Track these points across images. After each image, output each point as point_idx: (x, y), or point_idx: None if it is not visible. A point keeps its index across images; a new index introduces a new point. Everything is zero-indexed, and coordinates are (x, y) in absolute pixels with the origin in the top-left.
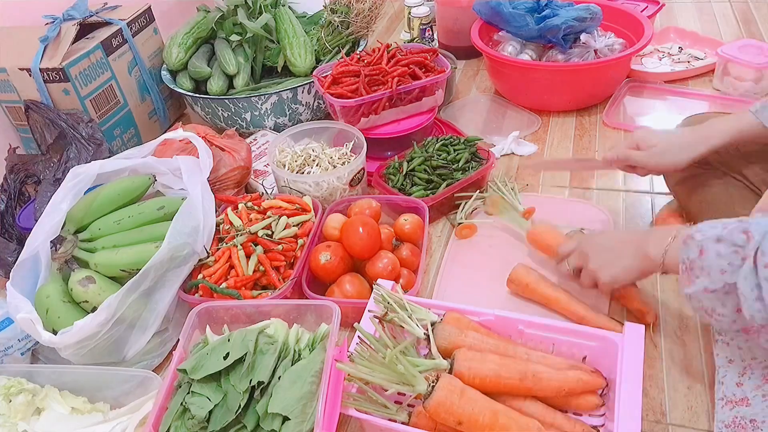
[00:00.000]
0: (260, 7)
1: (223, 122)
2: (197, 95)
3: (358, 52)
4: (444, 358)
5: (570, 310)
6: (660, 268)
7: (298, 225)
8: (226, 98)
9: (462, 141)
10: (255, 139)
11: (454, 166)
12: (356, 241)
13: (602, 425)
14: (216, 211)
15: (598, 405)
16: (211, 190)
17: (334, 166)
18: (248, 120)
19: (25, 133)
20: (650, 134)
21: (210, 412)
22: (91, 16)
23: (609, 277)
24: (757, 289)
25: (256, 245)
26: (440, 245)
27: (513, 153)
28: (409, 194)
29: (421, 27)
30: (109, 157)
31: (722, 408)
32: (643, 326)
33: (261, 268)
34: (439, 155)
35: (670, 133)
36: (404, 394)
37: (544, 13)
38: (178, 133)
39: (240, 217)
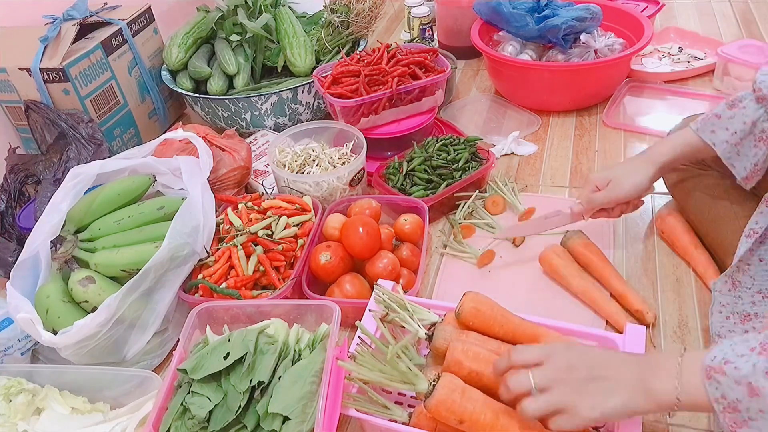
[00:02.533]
0: (260, 7)
1: (223, 122)
2: (197, 95)
3: (358, 52)
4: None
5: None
6: (672, 408)
7: (298, 225)
8: (226, 98)
9: (462, 141)
10: (255, 139)
11: (454, 166)
12: (356, 241)
13: (603, 426)
14: (216, 211)
15: None
16: (211, 190)
17: (334, 166)
18: (248, 120)
19: (25, 133)
20: (603, 172)
21: (210, 412)
22: (91, 16)
23: (595, 412)
24: None
25: (256, 245)
26: (440, 245)
27: (513, 153)
28: (409, 194)
29: (421, 27)
30: (109, 157)
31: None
32: (644, 327)
33: (261, 268)
34: (439, 155)
35: (620, 163)
36: (404, 395)
37: (544, 13)
38: (178, 133)
39: (240, 217)
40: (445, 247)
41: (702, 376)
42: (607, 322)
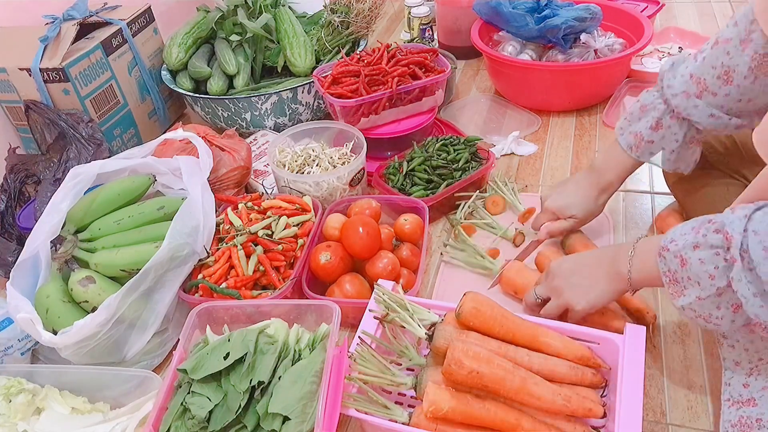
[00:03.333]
0: (260, 7)
1: (223, 122)
2: (197, 95)
3: (358, 52)
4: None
5: None
6: (628, 284)
7: (298, 225)
8: (226, 98)
9: (462, 141)
10: (255, 139)
11: (454, 166)
12: (356, 241)
13: (603, 426)
14: (216, 211)
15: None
16: (211, 190)
17: (334, 166)
18: (248, 120)
19: (25, 133)
20: (560, 201)
21: (210, 412)
22: (91, 16)
23: (585, 303)
24: (753, 287)
25: (256, 245)
26: (440, 245)
27: (513, 153)
28: (409, 194)
29: (421, 27)
30: (109, 157)
31: (728, 408)
32: (643, 327)
33: (261, 268)
34: (439, 155)
35: (572, 188)
36: (404, 395)
37: (544, 13)
38: (178, 133)
39: (240, 217)
40: (446, 246)
41: (655, 254)
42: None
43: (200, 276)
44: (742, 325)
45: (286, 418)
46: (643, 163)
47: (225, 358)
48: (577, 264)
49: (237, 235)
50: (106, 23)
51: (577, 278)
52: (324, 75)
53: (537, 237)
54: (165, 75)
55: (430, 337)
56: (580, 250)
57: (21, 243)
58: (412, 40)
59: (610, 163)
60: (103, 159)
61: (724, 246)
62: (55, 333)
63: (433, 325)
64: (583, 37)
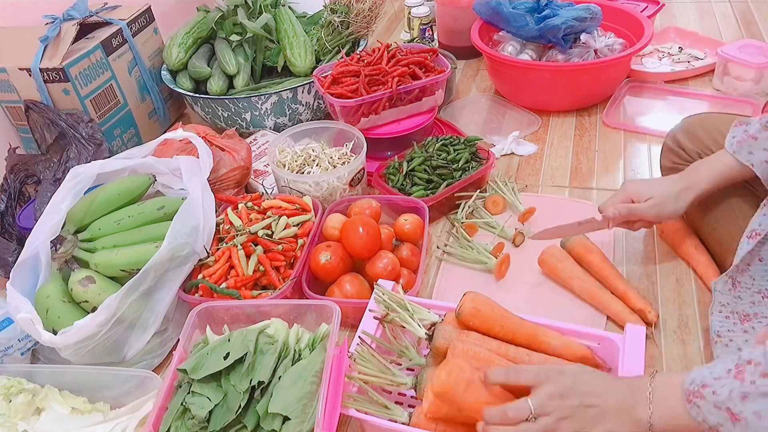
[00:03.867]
0: (260, 7)
1: (223, 122)
2: (197, 95)
3: (358, 52)
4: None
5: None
6: (657, 430)
7: (298, 225)
8: (226, 98)
9: (462, 141)
10: (255, 139)
11: (454, 166)
12: (356, 241)
13: None
14: (216, 211)
15: None
16: (211, 190)
17: (334, 166)
18: (248, 120)
19: (25, 133)
20: (641, 186)
21: (210, 412)
22: (91, 16)
23: None
24: None
25: (256, 245)
26: (439, 245)
27: (513, 153)
28: (409, 194)
29: (421, 27)
30: (109, 157)
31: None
32: (644, 327)
33: (261, 268)
34: (439, 155)
35: (659, 181)
36: (404, 395)
37: (544, 13)
38: (178, 133)
39: (240, 217)
40: (445, 245)
41: (683, 400)
42: (608, 318)
43: (200, 276)
44: None
45: (286, 418)
46: (739, 167)
47: (225, 358)
48: (586, 390)
49: (237, 235)
50: (106, 23)
51: (585, 408)
52: (324, 75)
53: (602, 215)
54: (165, 75)
55: (430, 337)
56: (580, 251)
57: (21, 243)
58: (412, 40)
59: (705, 161)
60: (103, 159)
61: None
62: (55, 333)
63: (433, 325)
64: (583, 37)
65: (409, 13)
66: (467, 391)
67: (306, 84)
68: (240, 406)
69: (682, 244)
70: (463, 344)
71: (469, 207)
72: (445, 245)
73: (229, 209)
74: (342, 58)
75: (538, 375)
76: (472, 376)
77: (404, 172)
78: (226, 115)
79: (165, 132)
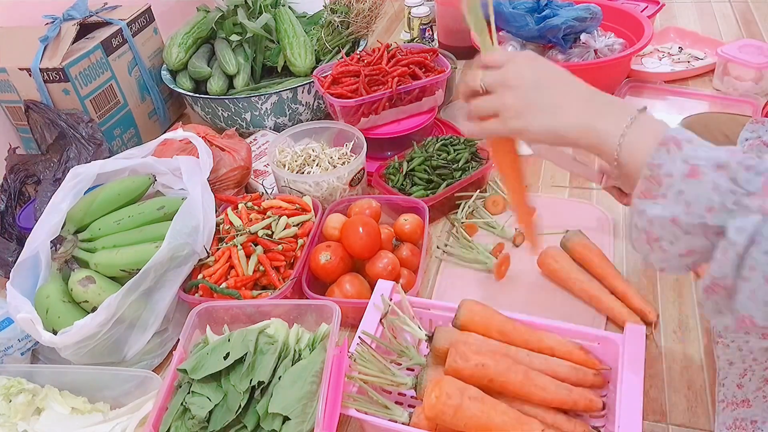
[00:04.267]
0: (260, 7)
1: (223, 122)
2: (197, 95)
3: (358, 52)
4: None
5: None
6: (608, 153)
7: (298, 225)
8: (226, 98)
9: (462, 141)
10: (255, 139)
11: (454, 166)
12: (356, 241)
13: (603, 426)
14: (216, 211)
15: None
16: (211, 190)
17: (334, 166)
18: (248, 120)
19: (25, 133)
20: None
21: (210, 412)
22: (91, 16)
23: (519, 123)
24: (747, 246)
25: (256, 245)
26: (439, 245)
27: None
28: (409, 194)
29: (421, 27)
30: (109, 157)
31: (723, 410)
32: (643, 327)
33: (261, 268)
34: (439, 155)
35: None
36: (404, 395)
37: (544, 13)
38: (178, 133)
39: (240, 217)
40: (445, 246)
41: (656, 139)
42: (607, 318)
43: (200, 276)
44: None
45: (286, 418)
46: None
47: (225, 358)
48: (552, 75)
49: (237, 235)
50: (106, 23)
51: (541, 89)
52: (324, 75)
53: (598, 169)
54: (165, 75)
55: (430, 338)
56: (580, 251)
57: (21, 243)
58: (412, 40)
59: (714, 147)
60: (103, 159)
61: (755, 192)
62: (55, 333)
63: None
64: (583, 37)
65: (409, 13)
66: (456, 416)
67: (306, 84)
68: (240, 406)
69: None
70: (465, 341)
71: (469, 207)
72: (446, 245)
73: (229, 209)
74: (342, 58)
75: (506, 56)
76: (461, 401)
77: (404, 172)
78: (226, 115)
79: (165, 132)
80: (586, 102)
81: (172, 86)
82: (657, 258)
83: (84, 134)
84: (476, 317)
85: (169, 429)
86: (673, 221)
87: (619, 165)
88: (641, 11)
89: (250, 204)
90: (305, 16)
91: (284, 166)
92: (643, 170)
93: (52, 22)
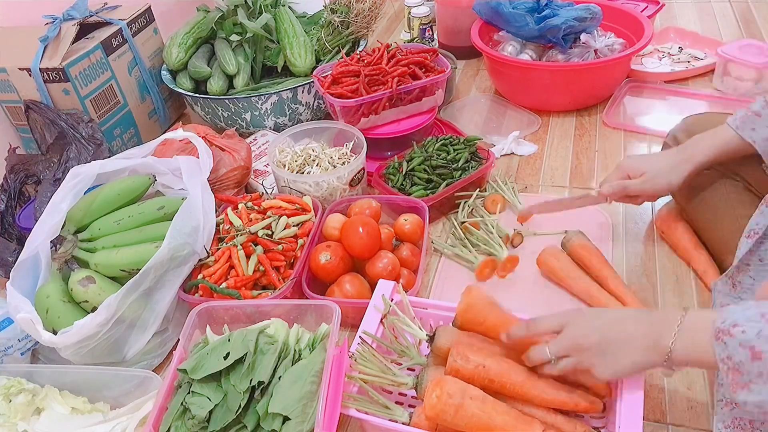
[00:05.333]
0: (260, 7)
1: (223, 122)
2: (197, 95)
3: (358, 52)
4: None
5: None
6: (666, 361)
7: (298, 225)
8: (226, 98)
9: (462, 141)
10: (255, 139)
11: (453, 166)
12: (356, 241)
13: (603, 426)
14: (216, 211)
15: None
16: (211, 190)
17: (334, 166)
18: (248, 120)
19: (25, 133)
20: (637, 161)
21: (210, 412)
22: (91, 16)
23: (611, 374)
24: None
25: (256, 245)
26: (440, 243)
27: (513, 153)
28: (409, 194)
29: (421, 27)
30: (109, 157)
31: (722, 409)
32: None
33: (261, 268)
34: (439, 155)
35: (656, 156)
36: (405, 394)
37: (544, 13)
38: (178, 133)
39: (240, 217)
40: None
41: (711, 336)
42: None
43: (200, 276)
44: None
45: (286, 418)
46: (740, 143)
47: (225, 358)
48: (609, 324)
49: (237, 235)
50: (106, 23)
51: (608, 343)
52: (324, 75)
53: (598, 192)
54: (165, 75)
55: (431, 339)
56: (579, 252)
57: (21, 243)
58: (412, 40)
59: (704, 135)
60: (103, 159)
61: None
62: (55, 333)
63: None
64: (583, 37)
65: (409, 13)
66: (457, 416)
67: (306, 84)
68: (240, 406)
69: (682, 243)
70: (468, 340)
71: (468, 206)
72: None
73: (229, 209)
74: (342, 58)
75: (559, 320)
76: (462, 400)
77: (404, 172)
78: (226, 115)
79: (165, 132)
80: (643, 330)
81: (172, 86)
82: None
83: (84, 134)
84: (476, 308)
85: (169, 429)
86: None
87: (672, 366)
88: (641, 11)
89: (250, 204)
90: (305, 16)
91: (284, 166)
92: (720, 366)
93: (52, 22)
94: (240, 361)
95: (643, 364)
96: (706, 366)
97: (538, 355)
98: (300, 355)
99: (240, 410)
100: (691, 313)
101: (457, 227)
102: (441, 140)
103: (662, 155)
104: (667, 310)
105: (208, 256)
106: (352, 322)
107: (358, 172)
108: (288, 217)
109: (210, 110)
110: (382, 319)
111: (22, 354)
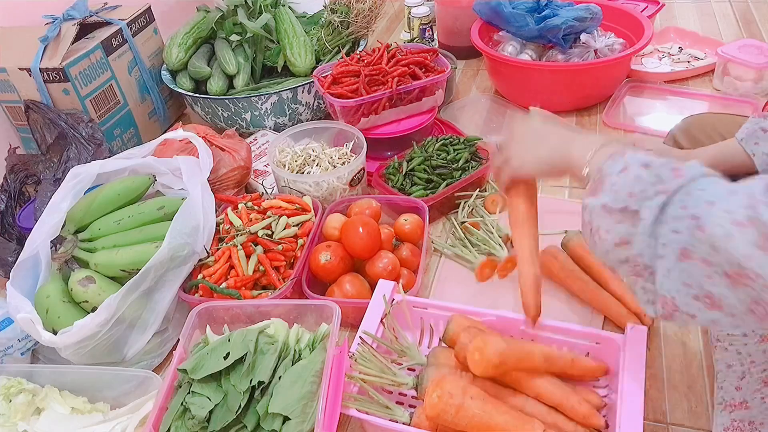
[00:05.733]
0: (260, 7)
1: (223, 122)
2: (197, 95)
3: (358, 52)
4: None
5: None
6: (578, 174)
7: (298, 225)
8: (226, 98)
9: (462, 141)
10: (255, 139)
11: (453, 166)
12: (356, 241)
13: (606, 428)
14: (216, 211)
15: (600, 405)
16: (211, 190)
17: (334, 166)
18: (248, 120)
19: (25, 133)
20: None
21: (210, 412)
22: (91, 16)
23: (517, 163)
24: (654, 224)
25: (256, 245)
26: (440, 243)
27: None
28: (409, 194)
29: (421, 27)
30: (109, 157)
31: (721, 412)
32: (644, 327)
33: (261, 268)
34: (439, 155)
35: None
36: (405, 395)
37: (544, 13)
38: (178, 133)
39: (240, 217)
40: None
41: (607, 155)
42: (606, 318)
43: (200, 276)
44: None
45: (286, 418)
46: (739, 154)
47: (225, 358)
48: (536, 125)
49: (237, 235)
50: (106, 23)
51: (527, 136)
52: (324, 75)
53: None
54: (165, 75)
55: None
56: (579, 252)
57: (21, 243)
58: (412, 40)
59: (711, 145)
60: (103, 159)
61: (667, 181)
62: (55, 333)
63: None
64: (583, 37)
65: (409, 13)
66: (457, 416)
67: (306, 84)
68: (240, 406)
69: None
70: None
71: (468, 206)
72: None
73: (229, 209)
74: (342, 58)
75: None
76: (463, 400)
77: (404, 172)
78: (226, 115)
79: (165, 132)
80: (563, 136)
81: (172, 86)
82: (599, 250)
83: (84, 134)
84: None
85: (169, 429)
86: (603, 207)
87: (583, 180)
88: (641, 11)
89: (250, 204)
90: (305, 16)
91: (284, 166)
92: (593, 175)
93: (52, 22)
94: (240, 361)
95: (549, 161)
96: (582, 176)
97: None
98: (300, 355)
99: (240, 410)
100: (612, 144)
101: (457, 227)
102: (441, 140)
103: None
104: (596, 134)
105: (208, 256)
106: (352, 322)
107: (358, 172)
108: (288, 217)
109: (210, 110)
110: (382, 319)
111: (22, 354)
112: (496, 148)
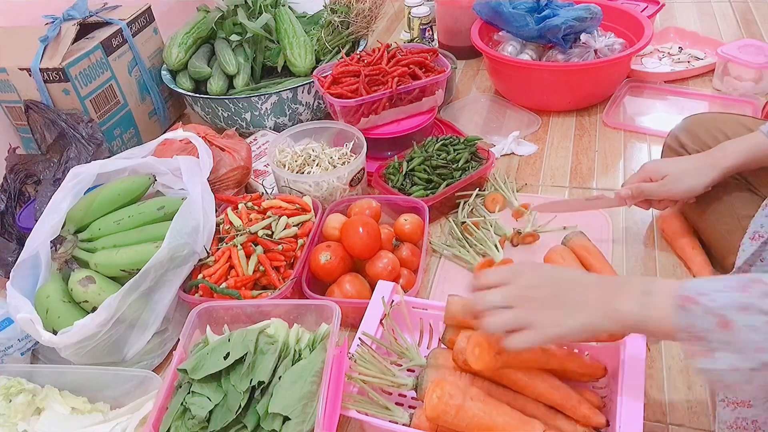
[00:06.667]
0: (260, 7)
1: (223, 122)
2: (197, 95)
3: (358, 52)
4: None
5: None
6: (631, 329)
7: (298, 225)
8: (226, 98)
9: (462, 141)
10: (255, 139)
11: (454, 166)
12: (356, 241)
13: (606, 425)
14: (216, 211)
15: (600, 405)
16: (211, 190)
17: (334, 166)
18: (248, 120)
19: (25, 133)
20: (660, 165)
21: (210, 412)
22: (91, 16)
23: (554, 333)
24: None
25: (256, 245)
26: (439, 244)
27: (513, 153)
28: (409, 194)
29: (421, 27)
30: (109, 157)
31: (724, 409)
32: None
33: (261, 268)
34: (439, 155)
35: (682, 159)
36: (405, 395)
37: (544, 13)
38: (178, 133)
39: (240, 217)
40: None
41: (672, 303)
42: None
43: (200, 276)
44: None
45: (286, 418)
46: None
47: (225, 358)
48: (565, 280)
49: (237, 235)
50: (106, 23)
51: (559, 299)
52: (324, 75)
53: (615, 194)
54: (165, 75)
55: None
56: (580, 252)
57: (21, 243)
58: (412, 40)
59: (733, 140)
60: (103, 159)
61: None
62: (55, 333)
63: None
64: (583, 37)
65: (409, 13)
66: (457, 417)
67: (306, 84)
68: (240, 406)
69: (679, 243)
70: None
71: (469, 206)
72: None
73: (229, 209)
74: (342, 58)
75: (510, 270)
76: (463, 401)
77: (404, 172)
78: (226, 115)
79: (165, 132)
80: (601, 291)
81: (172, 86)
82: (736, 396)
83: (84, 134)
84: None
85: (169, 429)
86: (734, 369)
87: (640, 331)
88: (641, 11)
89: (250, 204)
90: (305, 16)
91: (284, 166)
92: (678, 335)
93: (52, 22)
94: (240, 361)
95: (592, 327)
96: (659, 334)
97: (481, 302)
98: (300, 355)
99: (240, 410)
100: (653, 279)
101: (456, 227)
102: (441, 140)
103: (688, 159)
104: (628, 277)
105: (208, 256)
106: (352, 322)
107: (358, 172)
108: (288, 217)
109: (210, 110)
110: (381, 320)
111: (22, 354)
112: (492, 303)
